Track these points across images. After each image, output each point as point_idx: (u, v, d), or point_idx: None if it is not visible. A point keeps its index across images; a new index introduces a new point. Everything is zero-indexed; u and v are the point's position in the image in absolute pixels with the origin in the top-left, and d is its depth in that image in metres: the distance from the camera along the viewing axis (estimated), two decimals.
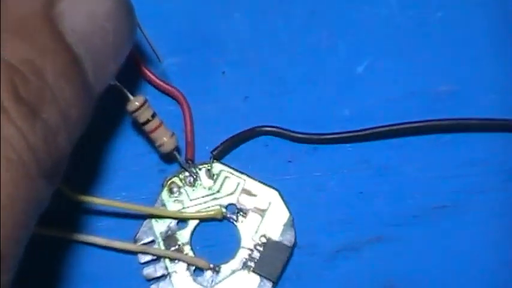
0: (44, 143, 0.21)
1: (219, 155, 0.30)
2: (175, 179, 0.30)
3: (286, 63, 0.32)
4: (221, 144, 0.30)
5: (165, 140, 0.29)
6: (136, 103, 0.29)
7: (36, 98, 0.21)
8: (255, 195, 0.30)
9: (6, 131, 0.20)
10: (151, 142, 0.30)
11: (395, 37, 0.32)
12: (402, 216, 0.30)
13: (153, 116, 0.29)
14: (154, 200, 0.30)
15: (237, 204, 0.30)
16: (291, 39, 0.32)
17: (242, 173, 0.30)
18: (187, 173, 0.30)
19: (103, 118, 0.28)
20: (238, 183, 0.30)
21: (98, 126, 0.27)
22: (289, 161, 0.31)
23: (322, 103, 0.32)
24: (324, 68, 0.32)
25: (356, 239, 0.30)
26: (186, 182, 0.30)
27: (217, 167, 0.30)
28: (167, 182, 0.30)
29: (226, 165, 0.30)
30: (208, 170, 0.30)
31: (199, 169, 0.30)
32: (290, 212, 0.29)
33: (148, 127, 0.29)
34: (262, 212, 0.29)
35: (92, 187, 0.31)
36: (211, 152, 0.30)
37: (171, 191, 0.30)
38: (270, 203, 0.30)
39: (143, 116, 0.29)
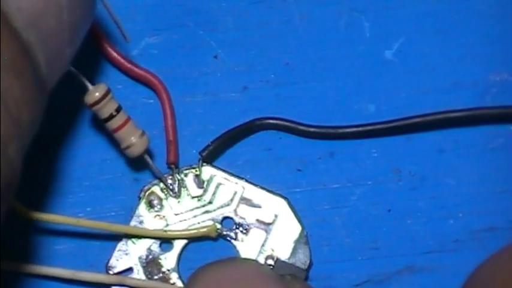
0: None
1: (210, 157, 0.29)
2: (155, 189, 0.29)
3: (295, 45, 0.31)
4: (212, 142, 0.29)
5: (133, 140, 0.28)
6: (96, 94, 0.27)
7: None
8: (257, 206, 0.29)
9: None
10: (116, 144, 0.28)
11: (434, 13, 0.31)
12: (440, 241, 0.29)
13: (118, 110, 0.27)
14: (128, 217, 0.29)
15: (235, 218, 0.29)
16: (301, 14, 0.31)
17: (240, 178, 0.29)
18: (169, 181, 0.29)
19: (59, 115, 0.28)
20: (236, 192, 0.29)
21: (54, 125, 0.27)
22: (299, 170, 0.30)
23: (340, 96, 0.30)
24: (343, 52, 0.31)
25: (382, 269, 0.29)
26: (169, 193, 0.29)
27: (207, 171, 0.29)
28: (145, 193, 0.29)
29: (219, 168, 0.29)
30: (197, 175, 0.29)
31: (185, 175, 0.29)
32: (303, 226, 0.28)
33: (111, 124, 0.27)
34: (267, 227, 0.28)
35: (49, 202, 0.29)
36: (200, 153, 0.29)
37: (150, 205, 0.29)
38: (276, 215, 0.28)
39: (105, 110, 0.27)
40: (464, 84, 0.30)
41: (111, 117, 0.27)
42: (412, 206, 0.29)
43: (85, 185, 0.29)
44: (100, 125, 0.29)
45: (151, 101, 0.30)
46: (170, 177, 0.29)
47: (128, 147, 0.28)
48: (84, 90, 0.27)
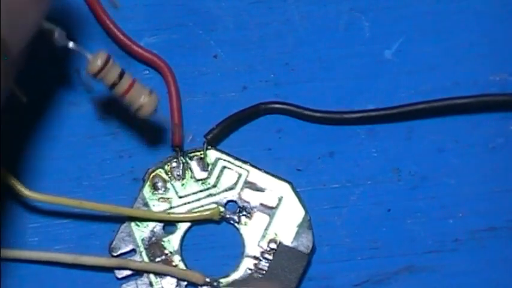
0: None
1: (215, 140, 0.29)
2: (160, 171, 0.29)
3: (295, 45, 0.30)
4: (217, 126, 0.29)
5: (144, 100, 0.27)
6: (98, 61, 0.26)
7: None
8: (261, 190, 0.28)
9: None
10: (127, 107, 0.28)
11: (433, 13, 0.31)
12: (440, 241, 0.29)
13: (122, 74, 0.27)
14: (132, 199, 0.29)
15: (238, 202, 0.29)
16: (301, 14, 0.31)
17: (244, 162, 0.29)
18: (174, 164, 0.28)
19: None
20: (240, 175, 0.28)
21: (54, 126, 0.26)
22: (299, 169, 0.29)
23: (339, 96, 0.30)
24: (342, 52, 0.30)
25: (382, 269, 0.29)
26: (173, 175, 0.29)
27: (212, 154, 0.29)
28: (149, 175, 0.29)
29: (223, 152, 0.29)
30: (201, 158, 0.29)
31: (190, 158, 0.29)
32: (306, 210, 0.28)
33: (119, 89, 0.27)
34: (270, 211, 0.28)
35: None
36: (205, 137, 0.29)
37: (154, 187, 0.28)
38: (280, 200, 0.28)
39: (110, 76, 0.26)
40: (464, 84, 0.30)
41: (116, 82, 0.27)
42: (412, 206, 0.29)
43: (84, 185, 0.29)
44: (100, 124, 0.29)
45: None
46: (175, 160, 0.28)
47: (139, 108, 0.27)
48: (85, 60, 0.27)
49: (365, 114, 0.29)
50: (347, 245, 0.29)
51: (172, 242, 0.28)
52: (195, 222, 0.28)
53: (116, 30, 0.29)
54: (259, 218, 0.28)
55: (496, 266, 0.29)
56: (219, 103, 0.30)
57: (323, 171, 0.29)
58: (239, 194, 0.28)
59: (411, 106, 0.29)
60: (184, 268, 0.28)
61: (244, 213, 0.28)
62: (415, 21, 0.31)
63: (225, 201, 0.28)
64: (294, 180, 0.29)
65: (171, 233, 0.28)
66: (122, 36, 0.29)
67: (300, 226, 0.28)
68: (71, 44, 0.26)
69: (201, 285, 0.28)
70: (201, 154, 0.29)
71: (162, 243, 0.28)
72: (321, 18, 0.31)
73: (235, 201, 0.28)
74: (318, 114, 0.29)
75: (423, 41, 0.30)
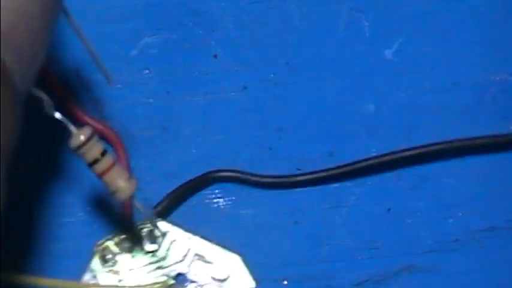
0: None
1: (164, 212, 0.28)
2: (109, 243, 0.28)
3: (295, 44, 0.30)
4: (166, 197, 0.28)
5: (121, 184, 0.26)
6: (81, 137, 0.26)
7: None
8: (211, 263, 0.28)
9: None
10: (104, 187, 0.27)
11: (433, 13, 0.31)
12: (440, 241, 0.29)
13: (103, 153, 0.26)
14: (81, 272, 0.28)
15: (188, 275, 0.28)
16: (301, 14, 0.31)
17: (194, 233, 0.28)
18: (123, 236, 0.28)
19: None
20: (190, 248, 0.28)
21: (54, 126, 0.24)
22: (299, 169, 0.29)
23: (340, 96, 0.30)
24: (342, 52, 0.30)
25: (382, 269, 0.29)
26: (123, 248, 0.28)
27: (161, 227, 0.28)
28: (99, 247, 0.28)
29: (173, 224, 0.28)
30: (151, 230, 0.28)
31: (140, 230, 0.28)
32: (256, 282, 0.28)
33: (98, 168, 0.26)
34: (221, 283, 0.28)
35: (49, 202, 0.29)
36: (154, 208, 0.28)
37: (104, 259, 0.28)
38: (230, 272, 0.28)
39: (91, 153, 0.26)
40: (464, 84, 0.30)
41: (97, 160, 0.26)
42: (412, 206, 0.29)
43: (85, 185, 0.29)
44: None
45: (151, 100, 0.29)
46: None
47: (116, 191, 0.26)
48: (68, 133, 0.26)
49: (315, 175, 0.29)
50: (347, 245, 0.29)
51: None
52: None
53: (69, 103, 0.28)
54: None
55: (496, 266, 0.29)
56: (219, 103, 0.30)
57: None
58: (189, 266, 0.28)
59: (360, 163, 0.28)
60: None
61: (194, 285, 0.28)
62: (415, 21, 0.30)
63: (174, 273, 0.28)
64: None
65: None
66: (71, 107, 0.28)
67: None
68: (57, 115, 0.25)
69: None
70: (150, 226, 0.28)
71: None
72: (321, 18, 0.31)
73: (185, 274, 0.28)
74: (266, 180, 0.29)
75: (423, 40, 0.30)
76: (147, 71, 0.30)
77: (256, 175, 0.29)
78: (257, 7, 0.31)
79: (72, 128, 0.25)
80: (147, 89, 0.29)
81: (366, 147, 0.29)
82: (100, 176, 0.26)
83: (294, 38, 0.30)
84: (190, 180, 0.28)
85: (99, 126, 0.28)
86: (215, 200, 0.29)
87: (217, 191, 0.29)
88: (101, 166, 0.26)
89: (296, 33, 0.30)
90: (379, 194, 0.29)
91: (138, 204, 0.27)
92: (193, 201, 0.29)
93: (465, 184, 0.29)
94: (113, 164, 0.26)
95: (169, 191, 0.29)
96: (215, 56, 0.30)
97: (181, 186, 0.28)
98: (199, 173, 0.29)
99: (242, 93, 0.30)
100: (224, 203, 0.29)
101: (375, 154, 0.29)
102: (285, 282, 0.28)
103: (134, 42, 0.30)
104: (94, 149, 0.26)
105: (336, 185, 0.29)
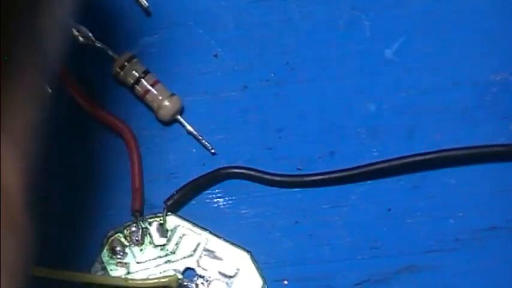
0: None
1: (174, 206, 0.28)
2: (119, 236, 0.28)
3: (295, 44, 0.31)
4: (177, 192, 0.28)
5: (164, 101, 0.28)
6: (122, 60, 0.28)
7: None
8: (220, 259, 0.28)
9: None
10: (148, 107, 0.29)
11: (434, 13, 0.31)
12: (440, 241, 0.29)
13: (145, 72, 0.29)
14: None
15: (196, 269, 0.28)
16: (301, 13, 0.31)
17: (204, 229, 0.28)
18: (133, 228, 0.28)
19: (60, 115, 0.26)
20: (199, 243, 0.28)
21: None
22: (299, 169, 0.29)
23: (340, 95, 0.30)
24: (343, 51, 0.30)
25: (382, 268, 0.29)
26: (132, 240, 0.28)
27: (172, 221, 0.28)
28: (108, 239, 0.28)
29: (183, 218, 0.28)
30: (161, 224, 0.28)
31: (149, 223, 0.28)
32: (264, 280, 0.28)
33: (140, 88, 0.28)
34: (228, 280, 0.28)
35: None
36: (165, 203, 0.28)
37: (113, 251, 0.28)
38: (238, 269, 0.28)
39: (132, 73, 0.28)
40: (464, 83, 0.30)
41: (139, 80, 0.28)
42: (412, 206, 0.29)
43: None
44: (99, 127, 0.29)
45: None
46: (134, 224, 0.28)
47: (159, 108, 0.28)
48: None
49: (325, 176, 0.29)
50: (347, 245, 0.29)
51: None
52: None
53: (79, 94, 0.29)
54: (217, 287, 0.28)
55: (496, 265, 0.28)
56: (219, 102, 0.30)
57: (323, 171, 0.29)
58: (197, 261, 0.28)
59: (370, 166, 0.28)
60: None
61: (202, 281, 0.28)
62: (416, 21, 0.31)
63: (183, 268, 0.28)
64: None
65: None
66: (84, 100, 0.29)
67: None
68: (97, 43, 0.27)
69: None
70: (160, 220, 0.28)
71: None
72: (321, 18, 0.31)
73: (193, 269, 0.28)
74: (278, 178, 0.29)
75: (424, 40, 0.30)
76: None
77: (269, 173, 0.28)
78: (257, 7, 0.31)
79: (111, 53, 0.28)
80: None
81: (367, 147, 0.29)
82: (143, 96, 0.28)
83: (294, 37, 0.30)
84: (202, 176, 0.28)
85: (111, 119, 0.29)
86: (215, 200, 0.29)
87: (217, 190, 0.29)
88: (143, 86, 0.28)
89: (296, 33, 0.30)
90: (379, 194, 0.29)
91: (183, 121, 0.28)
92: (193, 200, 0.29)
93: (465, 184, 0.29)
94: (156, 83, 0.28)
95: (169, 190, 0.29)
96: (215, 56, 0.30)
97: (192, 181, 0.28)
98: (199, 173, 0.29)
99: (242, 93, 0.30)
100: (224, 203, 0.29)
101: (375, 153, 0.29)
102: (286, 282, 0.28)
103: (134, 42, 0.30)
104: (135, 70, 0.28)
105: (335, 184, 0.29)
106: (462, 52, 0.30)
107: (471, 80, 0.30)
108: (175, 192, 0.28)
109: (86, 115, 0.29)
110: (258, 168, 0.29)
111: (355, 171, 0.29)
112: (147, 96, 0.28)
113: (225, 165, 0.29)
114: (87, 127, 0.29)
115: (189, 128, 0.29)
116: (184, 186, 0.28)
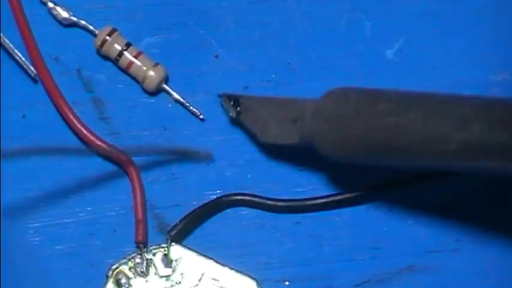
0: None
1: (178, 236, 0.28)
2: (123, 268, 0.28)
3: (296, 44, 0.31)
4: (180, 222, 0.28)
5: (148, 71, 0.28)
6: (103, 34, 0.28)
7: None
8: (226, 287, 0.28)
9: None
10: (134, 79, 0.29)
11: (435, 13, 0.31)
12: (441, 241, 0.29)
13: (127, 45, 0.28)
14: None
15: None
16: (302, 14, 0.31)
17: (209, 258, 0.28)
18: (138, 260, 0.28)
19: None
20: (204, 272, 0.28)
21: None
22: (300, 169, 0.29)
23: None
24: (344, 52, 0.31)
25: (383, 269, 0.28)
26: (137, 271, 0.28)
27: (176, 251, 0.28)
28: (113, 271, 0.28)
29: (188, 248, 0.28)
30: (165, 255, 0.28)
31: (154, 254, 0.28)
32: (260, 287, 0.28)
33: (124, 60, 0.28)
34: None
35: (50, 202, 0.29)
36: (168, 233, 0.28)
37: (118, 284, 0.28)
38: None
39: (115, 47, 0.28)
40: (465, 83, 0.30)
41: (121, 53, 0.28)
42: (412, 206, 0.29)
43: (85, 185, 0.29)
44: (100, 124, 0.29)
45: (152, 100, 0.29)
46: (139, 256, 0.28)
47: (144, 79, 0.28)
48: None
49: (327, 199, 0.28)
50: (348, 245, 0.29)
51: None
52: None
53: (83, 129, 0.28)
54: None
55: (496, 266, 0.28)
56: (220, 102, 0.29)
57: (323, 170, 0.29)
58: None
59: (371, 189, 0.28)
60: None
61: None
62: (417, 21, 0.31)
63: None
64: (294, 180, 0.29)
65: None
66: (86, 132, 0.28)
67: None
68: (74, 19, 0.28)
69: None
70: (164, 250, 0.28)
71: None
72: (322, 18, 0.31)
73: None
74: (280, 204, 0.28)
75: (424, 40, 0.30)
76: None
77: (271, 199, 0.28)
78: (258, 7, 0.31)
79: (92, 28, 0.28)
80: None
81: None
82: (127, 68, 0.28)
83: (294, 37, 0.30)
84: (204, 205, 0.28)
85: (113, 151, 0.28)
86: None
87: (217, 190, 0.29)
88: (126, 58, 0.28)
89: (297, 32, 0.30)
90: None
91: (169, 89, 0.28)
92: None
93: (465, 184, 0.29)
94: (139, 54, 0.28)
95: (169, 191, 0.29)
96: (216, 56, 0.30)
97: (194, 211, 0.28)
98: (199, 173, 0.29)
99: (243, 93, 0.29)
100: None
101: None
102: (287, 283, 0.28)
103: (135, 42, 0.30)
104: (117, 43, 0.28)
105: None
106: (462, 52, 0.30)
107: (471, 80, 0.30)
108: (178, 222, 0.28)
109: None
110: (259, 194, 0.29)
111: (357, 193, 0.28)
112: (132, 68, 0.29)
113: (227, 193, 0.28)
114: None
115: (176, 95, 0.29)
116: (187, 215, 0.28)
